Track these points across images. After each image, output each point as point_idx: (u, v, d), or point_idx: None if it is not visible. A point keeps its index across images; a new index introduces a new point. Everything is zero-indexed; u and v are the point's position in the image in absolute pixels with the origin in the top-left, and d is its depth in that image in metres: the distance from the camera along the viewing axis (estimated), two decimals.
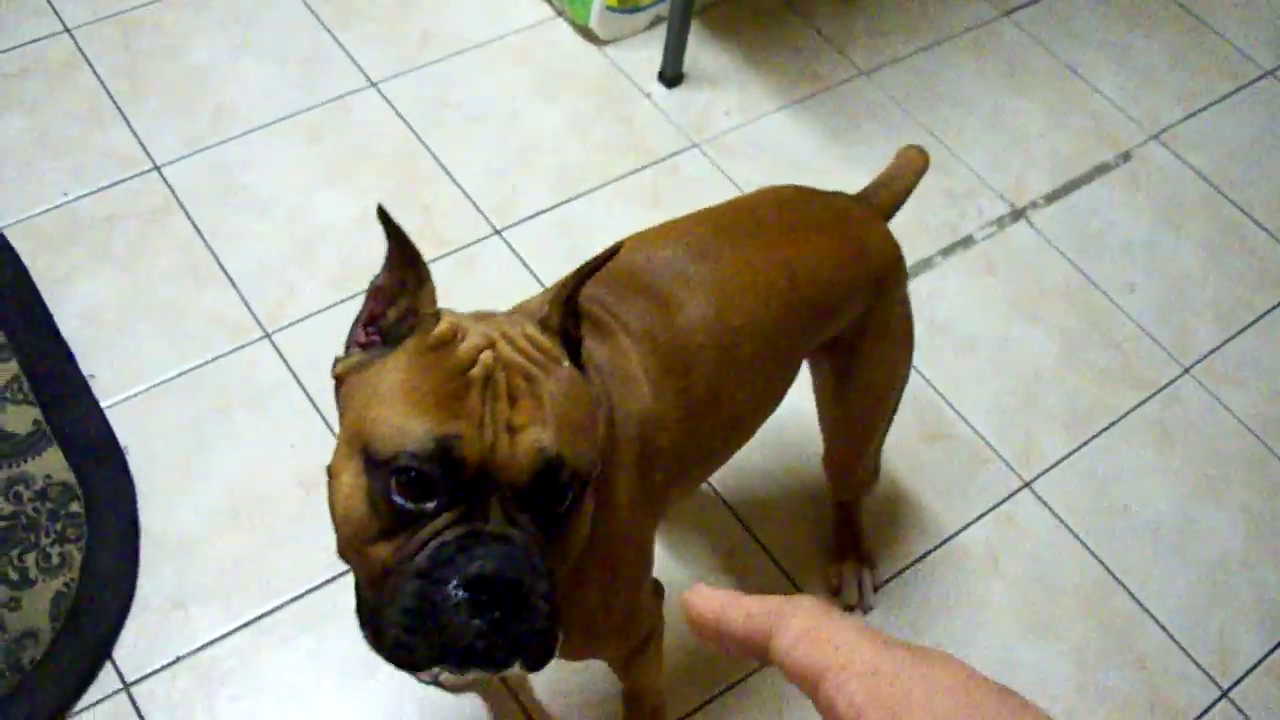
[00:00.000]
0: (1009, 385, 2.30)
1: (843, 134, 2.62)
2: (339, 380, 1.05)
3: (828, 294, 1.46)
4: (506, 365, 0.97)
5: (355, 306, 2.16)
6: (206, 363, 2.10)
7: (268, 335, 2.15)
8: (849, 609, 1.97)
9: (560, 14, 2.74)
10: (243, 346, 2.13)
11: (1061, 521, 2.13)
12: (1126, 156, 2.73)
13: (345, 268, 2.25)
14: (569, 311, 1.06)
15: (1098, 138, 2.75)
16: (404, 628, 0.94)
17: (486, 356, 0.97)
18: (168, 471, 1.98)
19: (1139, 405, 2.31)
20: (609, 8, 2.61)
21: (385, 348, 1.02)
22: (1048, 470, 2.19)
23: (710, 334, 1.33)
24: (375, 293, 1.06)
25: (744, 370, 1.37)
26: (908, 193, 1.64)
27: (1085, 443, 2.24)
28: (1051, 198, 2.62)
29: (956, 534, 2.09)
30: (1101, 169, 2.70)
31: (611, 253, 1.03)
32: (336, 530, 1.00)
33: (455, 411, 0.93)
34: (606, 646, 1.40)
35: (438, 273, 2.24)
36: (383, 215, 0.99)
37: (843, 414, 1.72)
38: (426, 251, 2.25)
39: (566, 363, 1.03)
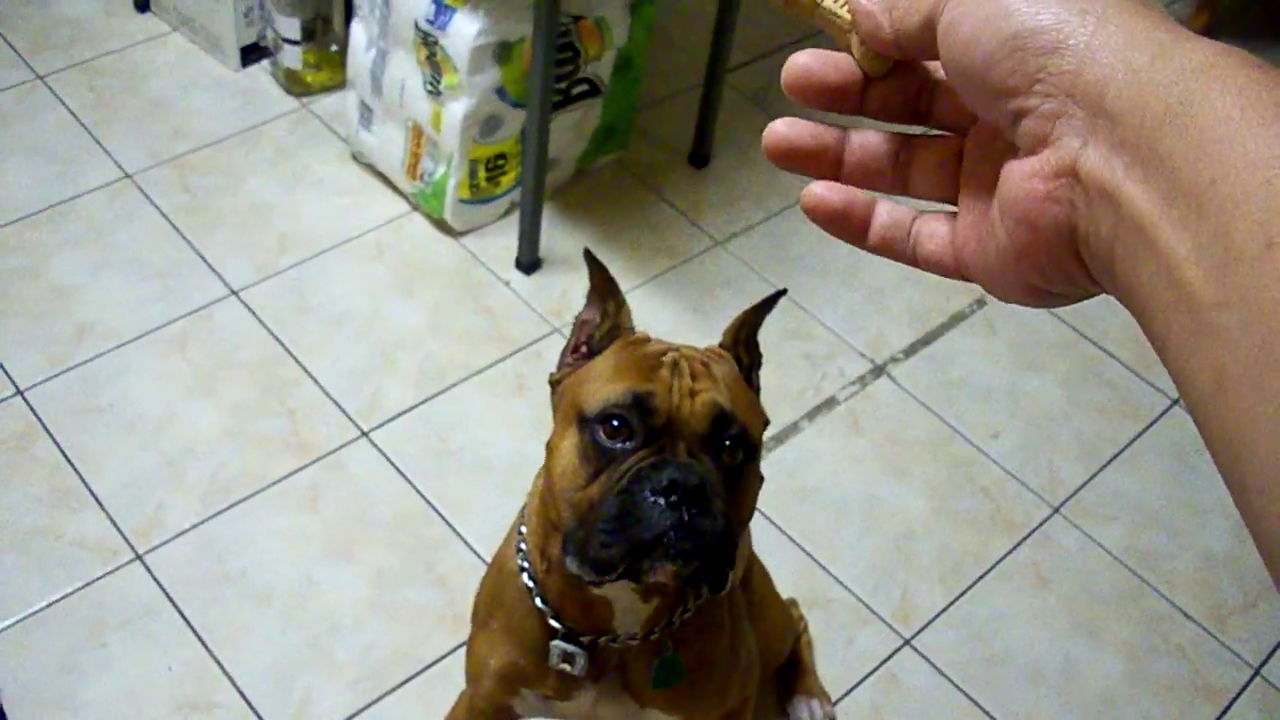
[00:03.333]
0: (882, 543, 2.33)
1: (700, 305, 2.66)
2: (554, 385, 1.30)
3: None
4: (688, 358, 1.23)
5: (225, 520, 2.16)
6: (77, 589, 2.08)
7: (139, 557, 2.13)
8: None
9: (415, 208, 2.78)
10: (114, 570, 2.11)
11: (944, 675, 2.15)
12: (981, 302, 2.80)
13: (213, 483, 2.24)
14: (739, 340, 1.32)
15: (951, 287, 2.82)
16: (607, 533, 1.14)
17: (673, 354, 1.23)
18: (43, 706, 1.94)
19: (1012, 550, 2.35)
20: (462, 199, 2.66)
21: (592, 357, 1.29)
22: (927, 625, 2.21)
23: None
24: (580, 325, 1.33)
25: None
26: None
27: (961, 594, 2.27)
28: (910, 350, 2.68)
29: (840, 699, 2.10)
30: (957, 317, 2.76)
31: (778, 295, 1.34)
32: (553, 488, 1.22)
33: (649, 378, 1.18)
34: (730, 693, 1.54)
35: (304, 479, 2.25)
36: (588, 256, 1.30)
37: None
38: (292, 460, 2.26)
39: (734, 364, 1.29)
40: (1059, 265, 0.48)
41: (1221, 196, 0.40)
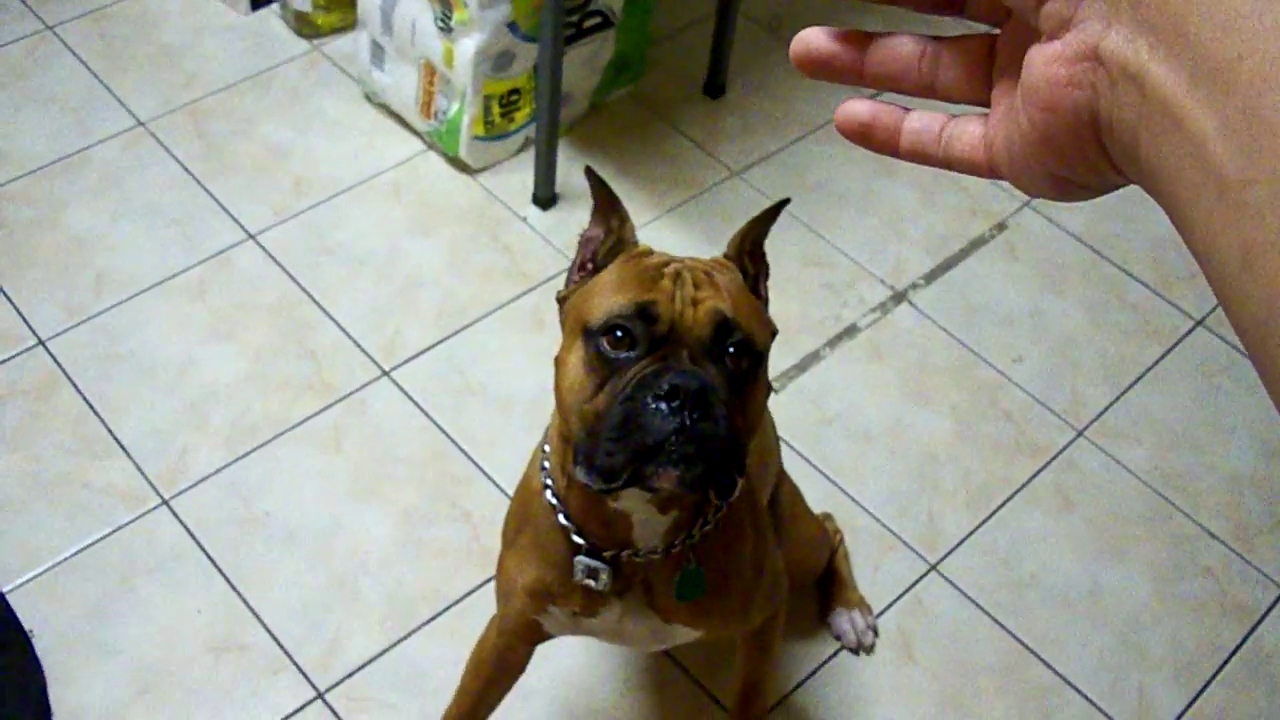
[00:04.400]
0: (906, 469, 2.32)
1: (718, 236, 2.62)
2: (561, 302, 1.32)
3: None
4: (691, 268, 1.24)
5: (250, 463, 2.16)
6: (106, 535, 2.09)
7: (165, 502, 2.14)
8: (853, 651, 2.08)
9: (431, 147, 2.77)
10: (141, 515, 2.12)
11: (971, 600, 2.15)
12: (1001, 227, 2.78)
13: (236, 426, 2.24)
14: (744, 250, 1.32)
15: (971, 212, 2.81)
16: (612, 441, 1.16)
17: (675, 264, 1.24)
18: (76, 650, 1.96)
19: (1036, 474, 2.34)
20: (477, 136, 2.65)
21: (598, 273, 1.30)
22: (953, 550, 2.21)
23: None
24: (585, 242, 1.34)
25: None
26: None
27: (987, 518, 2.27)
28: (931, 277, 2.66)
29: None
30: (978, 242, 2.75)
31: (782, 204, 1.33)
32: (562, 402, 1.24)
33: (651, 289, 1.20)
34: (754, 608, 1.56)
35: (327, 420, 2.26)
36: (590, 174, 1.31)
37: None
38: (315, 401, 2.27)
39: (738, 273, 1.30)
40: (1081, 152, 0.48)
41: (1249, 72, 0.39)
